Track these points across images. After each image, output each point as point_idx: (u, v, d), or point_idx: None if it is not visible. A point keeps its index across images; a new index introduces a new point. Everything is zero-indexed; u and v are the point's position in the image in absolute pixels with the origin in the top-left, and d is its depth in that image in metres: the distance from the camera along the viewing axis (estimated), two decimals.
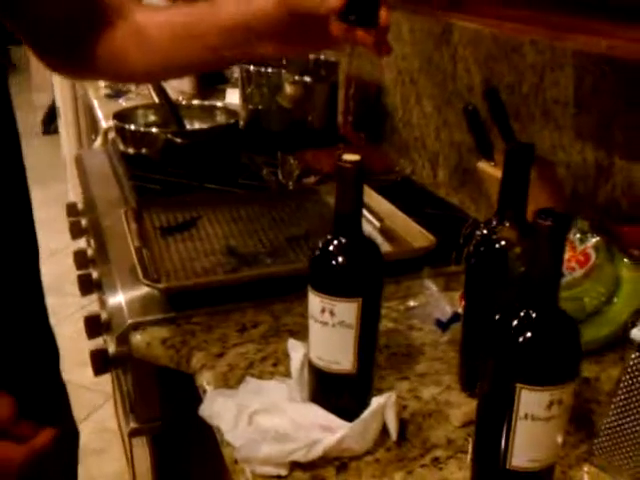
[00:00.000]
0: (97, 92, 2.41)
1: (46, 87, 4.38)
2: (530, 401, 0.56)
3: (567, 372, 0.57)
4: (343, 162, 0.66)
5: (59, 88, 3.36)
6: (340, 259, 0.68)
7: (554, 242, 0.53)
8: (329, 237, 0.70)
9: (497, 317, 0.60)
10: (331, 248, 0.69)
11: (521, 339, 0.56)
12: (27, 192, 0.81)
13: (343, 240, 0.69)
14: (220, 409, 0.75)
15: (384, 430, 0.73)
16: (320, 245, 0.70)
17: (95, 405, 2.36)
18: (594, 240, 0.90)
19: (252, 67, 1.61)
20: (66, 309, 2.77)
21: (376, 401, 0.72)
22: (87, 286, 1.29)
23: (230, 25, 0.79)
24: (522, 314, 0.57)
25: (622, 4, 0.55)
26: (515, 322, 0.57)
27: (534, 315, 0.56)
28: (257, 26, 0.78)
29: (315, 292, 0.69)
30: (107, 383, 1.76)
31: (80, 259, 1.37)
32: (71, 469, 0.97)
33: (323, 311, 0.69)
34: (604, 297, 0.87)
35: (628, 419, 0.67)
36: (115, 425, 1.71)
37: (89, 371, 1.07)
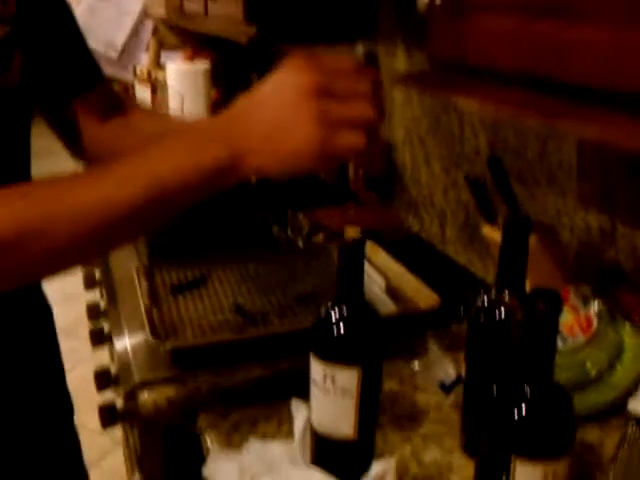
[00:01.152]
0: None
1: None
2: (525, 475, 0.57)
3: (561, 446, 0.58)
4: (346, 236, 0.69)
5: None
6: (341, 327, 0.70)
7: (547, 323, 0.55)
8: (330, 305, 0.72)
9: (495, 389, 0.61)
10: (332, 316, 0.71)
11: (516, 414, 0.57)
12: None
13: (344, 308, 0.71)
14: (222, 472, 0.76)
15: None
16: (322, 312, 0.72)
17: (106, 450, 2.35)
18: (596, 306, 0.91)
19: None
20: (81, 353, 2.77)
21: (376, 468, 0.72)
22: (98, 338, 1.31)
23: None
24: (518, 389, 0.58)
25: (613, 93, 0.57)
26: (511, 396, 0.58)
27: (529, 390, 0.57)
28: None
29: (317, 359, 0.71)
30: (118, 428, 1.77)
31: (92, 311, 1.39)
32: None
33: (325, 378, 0.71)
34: (606, 363, 0.87)
35: None
36: (124, 471, 1.71)
37: None
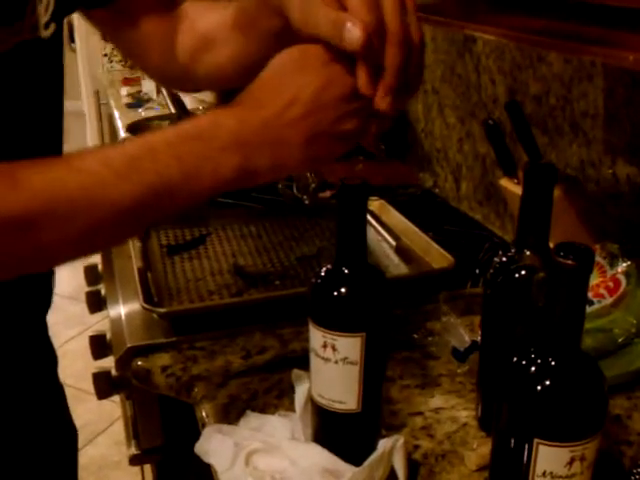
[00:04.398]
0: (118, 101, 2.39)
1: (75, 95, 4.41)
2: (549, 458, 0.50)
3: (591, 426, 0.51)
4: (345, 183, 0.61)
5: (85, 95, 3.36)
6: (342, 291, 0.63)
7: (576, 283, 0.47)
8: (330, 266, 0.64)
9: (514, 359, 0.54)
10: (332, 278, 0.64)
11: (539, 390, 0.49)
12: None
13: (345, 269, 0.63)
14: (217, 447, 0.70)
15: (393, 475, 0.67)
16: (321, 274, 0.65)
17: (114, 417, 2.33)
18: (625, 265, 0.84)
19: None
20: (90, 319, 2.75)
21: (383, 444, 0.66)
22: (95, 303, 1.25)
23: None
24: (541, 361, 0.50)
25: None
26: (533, 370, 0.51)
27: (554, 363, 0.50)
28: None
29: (316, 326, 0.64)
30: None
31: (90, 275, 1.33)
32: (71, 468, 0.95)
33: (325, 346, 0.64)
34: (635, 328, 0.80)
35: None
36: None
37: None
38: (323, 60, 0.55)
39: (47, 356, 0.91)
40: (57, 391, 0.92)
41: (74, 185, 0.52)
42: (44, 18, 0.65)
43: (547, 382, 0.49)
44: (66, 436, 0.93)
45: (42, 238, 0.52)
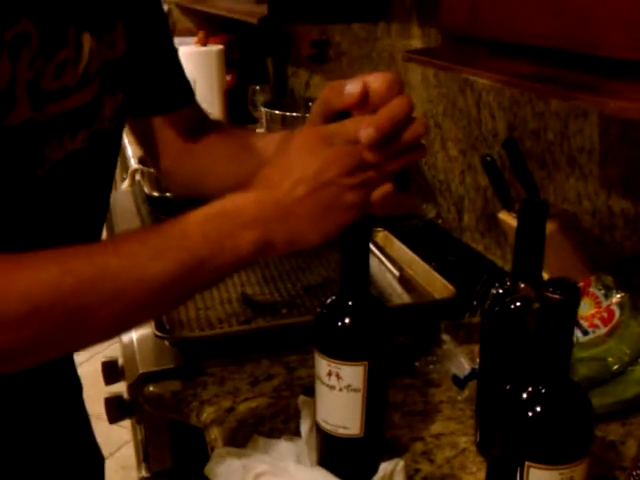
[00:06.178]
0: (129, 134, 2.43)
1: None
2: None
3: (578, 450, 0.54)
4: None
5: None
6: (345, 322, 0.66)
7: (563, 316, 0.51)
8: (334, 297, 0.68)
9: (507, 388, 0.57)
10: (336, 309, 0.67)
11: (530, 415, 0.53)
12: None
13: (349, 301, 0.67)
14: (225, 469, 0.73)
15: None
16: (325, 305, 0.69)
17: (122, 442, 2.35)
18: (619, 296, 0.87)
19: (277, 111, 1.62)
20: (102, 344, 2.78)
21: (384, 468, 0.69)
22: None
23: None
24: (532, 388, 0.54)
25: (629, 63, 0.53)
26: (524, 397, 0.54)
27: (543, 390, 0.53)
28: None
29: (321, 355, 0.67)
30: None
31: None
32: None
33: (329, 374, 0.67)
34: (628, 357, 0.83)
35: None
36: None
37: None
38: (325, 142, 0.62)
39: (73, 384, 0.93)
40: (83, 419, 0.95)
41: (117, 266, 0.58)
42: (110, 113, 0.72)
43: (537, 408, 0.53)
44: (93, 464, 0.96)
45: (94, 318, 0.57)
